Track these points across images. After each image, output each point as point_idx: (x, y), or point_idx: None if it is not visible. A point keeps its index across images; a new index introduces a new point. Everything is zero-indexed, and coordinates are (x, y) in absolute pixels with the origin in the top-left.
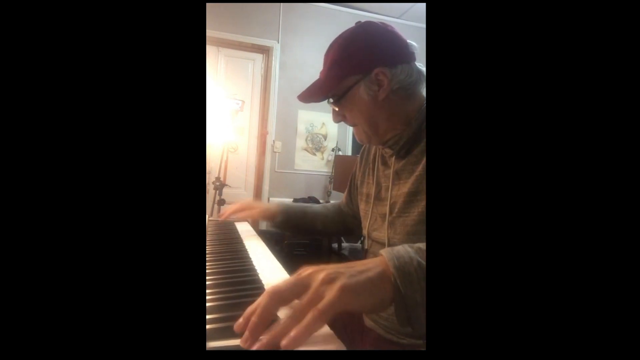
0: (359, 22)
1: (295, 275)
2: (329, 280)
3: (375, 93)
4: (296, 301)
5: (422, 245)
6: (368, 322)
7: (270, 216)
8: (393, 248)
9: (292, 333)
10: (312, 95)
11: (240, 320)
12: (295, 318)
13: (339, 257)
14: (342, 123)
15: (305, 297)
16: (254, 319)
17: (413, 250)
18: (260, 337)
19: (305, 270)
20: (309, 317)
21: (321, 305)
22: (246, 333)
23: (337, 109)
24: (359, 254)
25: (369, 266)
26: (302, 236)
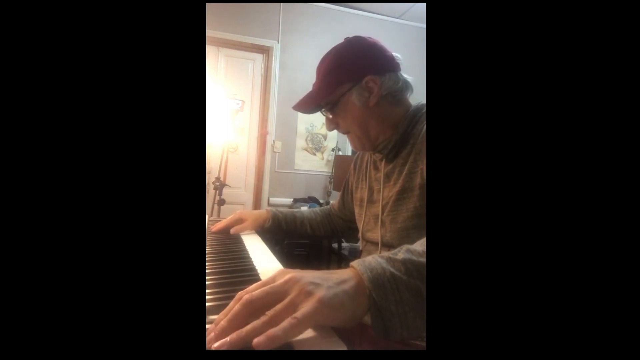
0: (348, 37)
1: (271, 282)
2: (306, 292)
3: (366, 99)
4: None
5: (392, 254)
6: (368, 320)
7: (260, 224)
8: (364, 260)
9: (269, 332)
10: (306, 104)
11: (211, 326)
12: (268, 323)
13: (339, 257)
14: None
15: (280, 305)
16: (222, 323)
17: (384, 261)
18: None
19: (281, 276)
20: (286, 322)
21: (299, 314)
22: (212, 335)
23: (330, 117)
24: (359, 254)
25: (344, 278)
26: (295, 239)
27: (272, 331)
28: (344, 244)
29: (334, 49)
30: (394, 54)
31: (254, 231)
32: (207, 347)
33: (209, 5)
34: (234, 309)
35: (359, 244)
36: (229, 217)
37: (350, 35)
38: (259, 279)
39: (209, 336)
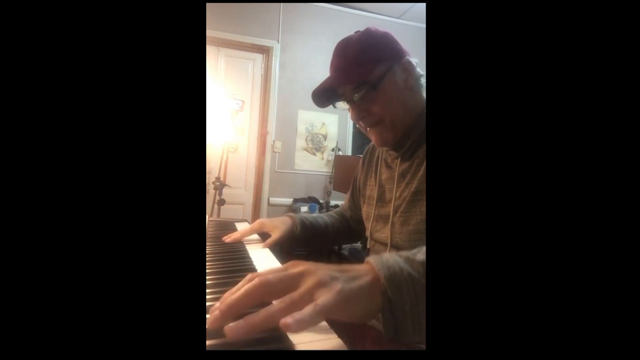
0: (358, 31)
1: (285, 269)
2: (323, 284)
3: (405, 80)
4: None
5: (411, 254)
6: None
7: (289, 231)
8: (382, 257)
9: (297, 316)
10: (339, 82)
11: (217, 304)
12: (285, 310)
13: (339, 257)
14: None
15: (297, 293)
16: (231, 299)
17: (402, 260)
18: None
19: (296, 266)
20: (310, 308)
21: (320, 302)
22: (216, 312)
23: (371, 95)
24: (359, 254)
25: (360, 273)
26: (316, 247)
27: (299, 314)
28: (344, 244)
29: (356, 34)
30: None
31: (285, 239)
32: (210, 326)
33: (209, 5)
34: (246, 287)
35: (367, 243)
36: (248, 228)
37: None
38: None
39: (213, 313)
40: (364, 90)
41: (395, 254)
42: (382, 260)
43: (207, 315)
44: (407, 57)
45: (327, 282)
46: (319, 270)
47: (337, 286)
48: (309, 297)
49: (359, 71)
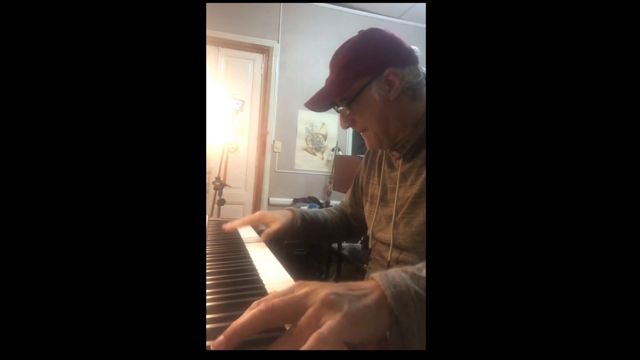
0: (362, 30)
1: (290, 292)
2: (329, 303)
3: (387, 93)
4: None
5: (416, 270)
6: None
7: (289, 224)
8: (387, 273)
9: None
10: (320, 101)
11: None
12: (293, 340)
13: (338, 257)
14: None
15: (304, 319)
16: (236, 325)
17: (408, 277)
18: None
19: (301, 287)
20: (312, 340)
21: (326, 330)
22: (221, 338)
23: (347, 113)
24: (359, 254)
25: (366, 291)
26: (314, 242)
27: (304, 349)
28: (344, 244)
29: (350, 41)
30: (412, 47)
31: (283, 232)
32: (212, 347)
33: (209, 5)
34: (252, 312)
35: (368, 243)
36: (248, 217)
37: (352, 35)
38: (259, 279)
39: (218, 339)
40: (344, 104)
41: (400, 269)
42: (388, 277)
43: (208, 316)
44: (392, 67)
45: (333, 300)
46: (325, 290)
47: (344, 308)
48: (315, 320)
49: (337, 89)
